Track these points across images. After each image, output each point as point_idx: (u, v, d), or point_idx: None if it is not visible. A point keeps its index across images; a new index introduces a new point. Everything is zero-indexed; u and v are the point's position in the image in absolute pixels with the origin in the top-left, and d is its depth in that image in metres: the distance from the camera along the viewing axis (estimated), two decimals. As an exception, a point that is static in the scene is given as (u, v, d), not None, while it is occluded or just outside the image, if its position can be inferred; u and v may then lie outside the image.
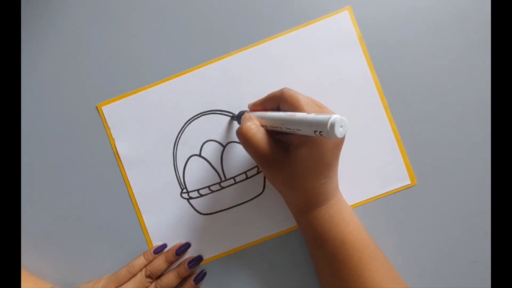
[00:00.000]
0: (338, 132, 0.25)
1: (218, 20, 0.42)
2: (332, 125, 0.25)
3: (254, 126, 0.33)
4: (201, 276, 0.41)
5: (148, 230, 0.42)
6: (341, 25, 0.42)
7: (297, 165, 0.32)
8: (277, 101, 0.34)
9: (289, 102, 0.32)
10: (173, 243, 0.42)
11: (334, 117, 0.25)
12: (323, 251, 0.35)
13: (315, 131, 0.27)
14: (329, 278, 0.35)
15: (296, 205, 0.36)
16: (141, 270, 0.40)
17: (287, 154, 0.33)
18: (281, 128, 0.31)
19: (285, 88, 0.34)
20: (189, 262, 0.41)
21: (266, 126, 0.34)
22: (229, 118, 0.42)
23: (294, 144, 0.33)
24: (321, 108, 0.33)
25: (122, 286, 0.39)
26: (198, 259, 0.41)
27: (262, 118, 0.34)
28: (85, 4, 0.43)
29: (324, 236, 0.34)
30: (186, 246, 0.41)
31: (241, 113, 0.38)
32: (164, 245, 0.42)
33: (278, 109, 0.34)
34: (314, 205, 0.35)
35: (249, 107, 0.38)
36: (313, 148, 0.31)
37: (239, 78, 0.42)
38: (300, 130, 0.29)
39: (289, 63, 0.42)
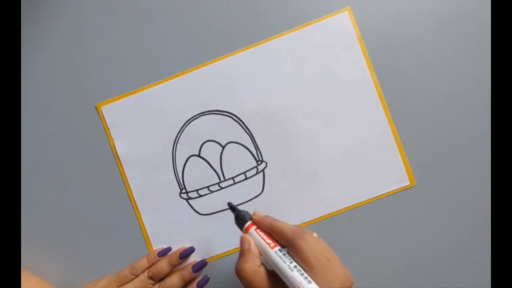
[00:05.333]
0: None
1: (217, 21, 0.42)
2: None
3: (253, 268, 0.31)
4: (204, 281, 0.41)
5: (147, 230, 0.42)
6: (340, 25, 0.42)
7: None
8: (287, 242, 0.32)
9: (299, 256, 0.31)
10: (172, 243, 0.42)
11: None
12: None
13: None
14: None
15: None
16: (143, 271, 0.40)
17: None
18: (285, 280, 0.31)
19: (297, 233, 0.32)
20: (193, 266, 0.41)
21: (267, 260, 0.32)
22: (230, 208, 0.37)
23: None
24: (330, 263, 0.31)
25: (124, 286, 0.40)
26: (202, 263, 0.41)
27: (265, 254, 0.32)
28: (85, 4, 0.43)
29: None
30: (190, 250, 0.41)
31: (242, 217, 0.35)
32: (169, 249, 0.42)
33: (284, 246, 0.33)
34: None
35: (254, 218, 0.35)
36: None
37: (239, 79, 0.42)
38: None
39: (289, 63, 0.42)
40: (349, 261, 0.41)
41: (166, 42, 0.42)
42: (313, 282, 0.29)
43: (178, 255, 0.41)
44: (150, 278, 0.40)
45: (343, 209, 0.42)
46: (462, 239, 0.41)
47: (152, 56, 0.42)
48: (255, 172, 0.42)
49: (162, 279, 0.41)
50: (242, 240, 0.33)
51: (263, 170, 0.42)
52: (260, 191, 0.42)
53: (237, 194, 0.42)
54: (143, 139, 0.42)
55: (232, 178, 0.42)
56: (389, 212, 0.41)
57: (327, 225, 0.42)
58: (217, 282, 0.42)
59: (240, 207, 0.41)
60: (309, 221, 0.42)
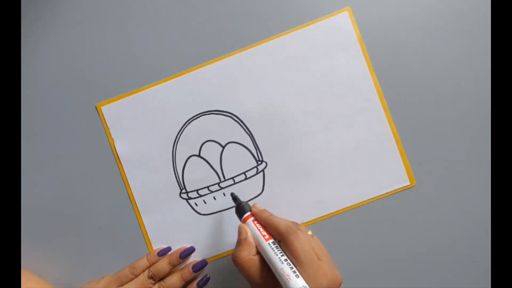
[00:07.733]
0: None
1: (218, 21, 0.42)
2: None
3: (248, 257, 0.33)
4: (205, 280, 0.41)
5: (147, 230, 0.42)
6: (340, 25, 0.42)
7: None
8: (280, 236, 0.33)
9: (290, 251, 0.32)
10: (172, 243, 0.42)
11: None
12: None
13: None
14: None
15: None
16: (143, 271, 0.40)
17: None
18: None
19: (290, 228, 0.33)
20: (194, 266, 0.41)
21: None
22: (234, 201, 0.39)
23: None
24: (319, 261, 0.32)
25: (124, 286, 0.40)
26: (203, 263, 0.41)
27: (259, 245, 0.34)
28: (85, 4, 0.43)
29: None
30: (190, 250, 0.41)
31: (242, 208, 0.37)
32: (169, 248, 0.42)
33: (279, 241, 0.34)
34: None
35: (252, 210, 0.37)
36: None
37: (239, 79, 0.42)
38: None
39: (289, 63, 0.42)
40: (349, 261, 0.42)
41: (166, 42, 0.42)
42: (300, 277, 0.30)
43: (178, 254, 0.41)
44: (150, 277, 0.40)
45: (343, 209, 0.42)
46: (462, 239, 0.41)
47: (152, 56, 0.42)
48: (255, 172, 0.42)
49: (162, 278, 0.41)
50: (239, 230, 0.35)
51: (263, 170, 0.42)
52: (260, 191, 0.42)
53: (237, 194, 0.42)
54: (143, 139, 0.42)
55: (232, 178, 0.42)
56: (389, 212, 0.41)
57: (327, 225, 0.42)
58: (217, 282, 0.42)
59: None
60: (309, 221, 0.42)
